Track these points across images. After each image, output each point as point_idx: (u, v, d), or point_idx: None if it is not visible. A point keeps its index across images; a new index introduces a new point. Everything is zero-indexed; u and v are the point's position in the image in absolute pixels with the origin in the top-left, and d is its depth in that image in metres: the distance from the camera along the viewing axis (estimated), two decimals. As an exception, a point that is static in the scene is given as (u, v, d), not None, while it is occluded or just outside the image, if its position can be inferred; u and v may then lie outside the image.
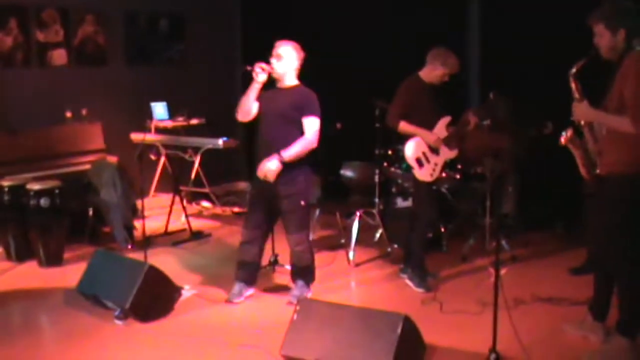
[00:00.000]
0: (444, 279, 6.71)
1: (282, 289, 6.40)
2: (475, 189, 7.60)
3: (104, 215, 7.85)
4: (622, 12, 4.69)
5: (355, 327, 4.68)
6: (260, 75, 5.84)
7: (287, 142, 5.82)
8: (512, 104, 6.66)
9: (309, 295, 6.14)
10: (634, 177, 4.67)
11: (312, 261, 6.22)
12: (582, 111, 4.84)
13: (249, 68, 5.85)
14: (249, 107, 5.93)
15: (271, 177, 5.77)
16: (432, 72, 6.37)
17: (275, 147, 5.81)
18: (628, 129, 4.54)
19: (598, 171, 4.91)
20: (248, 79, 5.98)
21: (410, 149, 6.33)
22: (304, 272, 6.20)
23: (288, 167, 5.84)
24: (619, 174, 4.72)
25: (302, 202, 6.01)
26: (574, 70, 4.89)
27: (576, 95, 4.88)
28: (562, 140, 5.02)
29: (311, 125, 5.89)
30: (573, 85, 4.90)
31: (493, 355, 4.73)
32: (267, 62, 5.88)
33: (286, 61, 5.92)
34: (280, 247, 6.68)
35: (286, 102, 5.88)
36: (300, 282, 6.19)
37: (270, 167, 5.76)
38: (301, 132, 5.87)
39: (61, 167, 8.24)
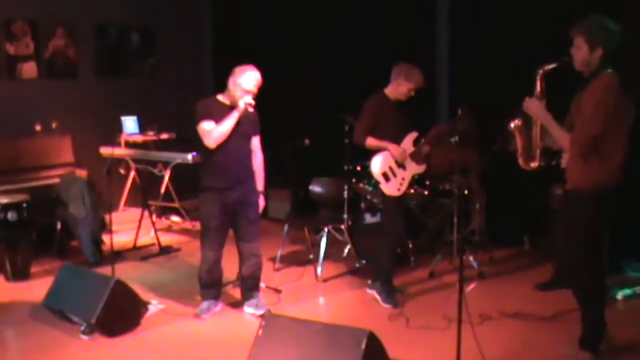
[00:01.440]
0: (412, 294, 6.74)
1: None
2: (444, 205, 7.65)
3: (72, 230, 7.80)
4: (605, 31, 4.70)
5: (319, 343, 4.68)
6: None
7: (249, 158, 6.16)
8: (476, 120, 6.70)
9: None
10: (596, 194, 4.73)
11: None
12: (535, 108, 4.88)
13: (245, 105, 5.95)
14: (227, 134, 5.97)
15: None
16: (397, 88, 6.42)
17: (245, 164, 6.10)
18: (564, 144, 4.70)
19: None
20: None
21: (377, 164, 6.38)
22: (257, 284, 6.36)
23: (252, 176, 6.20)
24: (582, 189, 4.77)
25: (260, 211, 6.29)
26: (543, 69, 4.91)
27: (537, 92, 4.91)
28: (511, 125, 5.11)
29: (258, 142, 6.26)
30: (538, 82, 4.92)
31: (457, 371, 4.77)
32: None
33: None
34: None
35: (248, 122, 6.05)
36: (257, 294, 6.34)
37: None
38: None
39: (30, 180, 8.18)
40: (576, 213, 4.83)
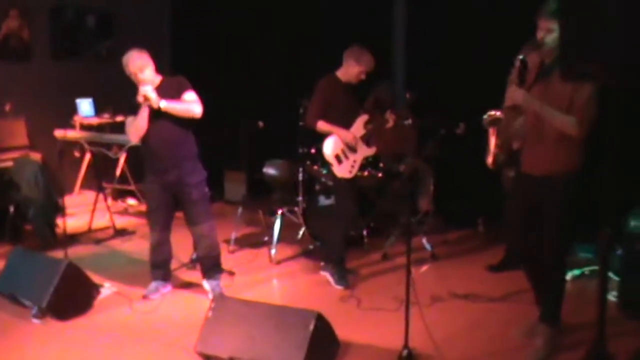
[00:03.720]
0: (364, 276, 6.80)
1: (200, 285, 6.38)
2: (398, 188, 7.69)
3: (25, 213, 7.75)
4: None
5: (268, 324, 4.73)
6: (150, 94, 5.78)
7: (182, 139, 5.98)
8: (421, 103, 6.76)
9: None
10: (576, 176, 4.74)
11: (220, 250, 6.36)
12: (523, 95, 4.71)
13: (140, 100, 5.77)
14: (145, 128, 5.89)
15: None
16: (347, 70, 6.46)
17: (175, 147, 5.95)
18: (570, 129, 4.59)
19: (522, 170, 4.94)
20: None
21: (329, 146, 6.41)
22: (216, 263, 6.31)
23: (190, 157, 6.04)
24: (560, 174, 4.74)
25: (206, 190, 6.18)
26: (519, 58, 4.75)
27: (516, 81, 4.75)
28: (486, 118, 5.08)
29: (192, 96, 5.92)
30: (517, 71, 4.75)
31: (405, 351, 4.82)
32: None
33: (149, 72, 5.92)
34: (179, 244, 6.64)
35: (166, 94, 5.81)
36: (216, 275, 6.30)
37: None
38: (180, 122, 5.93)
39: (-18, 163, 8.12)
40: (563, 198, 4.79)
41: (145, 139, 5.94)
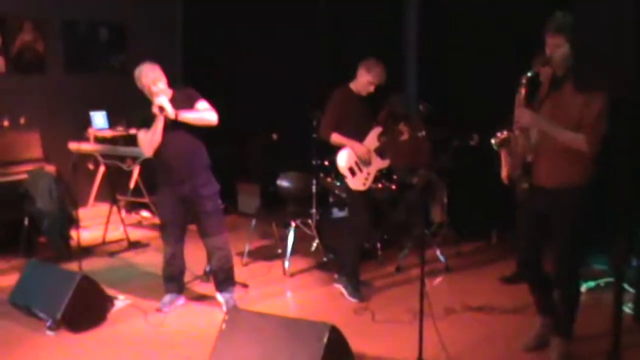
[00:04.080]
0: (378, 288, 6.79)
1: (213, 297, 6.39)
2: (411, 200, 7.69)
3: (40, 225, 7.78)
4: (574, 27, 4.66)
5: (282, 337, 4.72)
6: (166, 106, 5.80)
7: (196, 150, 6.00)
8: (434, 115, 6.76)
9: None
10: (585, 188, 4.74)
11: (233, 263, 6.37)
12: (530, 116, 4.73)
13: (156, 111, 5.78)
14: (159, 140, 5.90)
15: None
16: (359, 81, 6.47)
17: (189, 158, 5.97)
18: (580, 146, 4.58)
19: (534, 182, 4.90)
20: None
21: (343, 159, 6.41)
22: (229, 276, 6.31)
23: (204, 169, 6.06)
24: (572, 186, 4.74)
25: (220, 202, 6.20)
26: (526, 76, 4.75)
27: (522, 100, 4.77)
28: (494, 141, 5.06)
29: (204, 105, 5.98)
30: (523, 91, 4.77)
31: (419, 364, 4.82)
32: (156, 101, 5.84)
33: (162, 85, 5.94)
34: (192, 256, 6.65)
35: (178, 106, 5.84)
36: (229, 288, 6.30)
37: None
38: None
39: (-3, 175, 8.15)
40: (574, 210, 4.79)
41: (158, 151, 5.94)
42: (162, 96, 5.79)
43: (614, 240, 3.87)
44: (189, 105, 5.90)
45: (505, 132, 4.99)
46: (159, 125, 5.78)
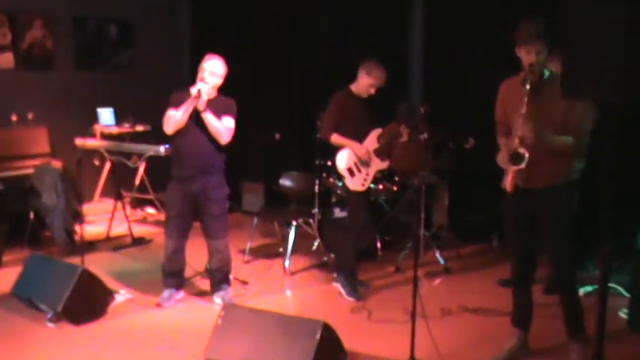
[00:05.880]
0: (376, 288, 6.84)
1: (212, 293, 6.47)
2: (412, 201, 7.73)
3: (45, 219, 7.87)
4: (550, 32, 4.72)
5: (276, 333, 4.81)
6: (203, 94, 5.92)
7: (213, 150, 6.08)
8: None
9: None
10: (574, 185, 4.82)
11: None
12: (537, 134, 4.67)
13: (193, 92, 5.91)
14: (183, 122, 6.00)
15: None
16: (359, 83, 6.53)
17: (204, 155, 6.06)
18: (574, 150, 4.69)
19: (523, 185, 4.86)
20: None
21: (342, 159, 6.47)
22: (226, 277, 6.41)
23: (217, 171, 6.15)
24: (561, 184, 4.80)
25: (227, 205, 6.32)
26: (527, 88, 4.71)
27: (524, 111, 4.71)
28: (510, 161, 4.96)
29: (227, 121, 6.08)
30: (526, 99, 4.71)
31: (410, 363, 4.88)
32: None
33: (214, 81, 6.08)
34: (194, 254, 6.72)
35: (214, 109, 6.00)
36: (224, 286, 6.39)
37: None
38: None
39: (4, 170, 8.19)
40: (564, 207, 4.85)
41: (178, 142, 6.08)
42: (205, 85, 5.93)
43: (600, 243, 3.91)
44: (221, 113, 6.04)
45: (520, 149, 4.77)
46: (188, 107, 5.90)
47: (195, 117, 5.95)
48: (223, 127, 6.01)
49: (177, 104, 5.99)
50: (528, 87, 4.70)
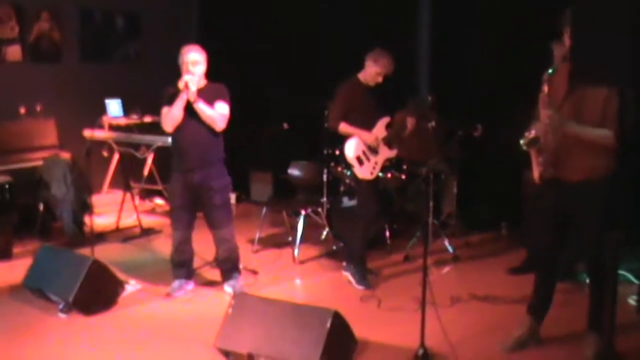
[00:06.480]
0: (386, 277, 6.86)
1: (221, 283, 6.49)
2: (421, 190, 7.74)
3: (54, 210, 7.90)
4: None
5: (286, 322, 4.81)
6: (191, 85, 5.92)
7: (211, 141, 6.10)
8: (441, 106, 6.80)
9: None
10: (608, 180, 4.74)
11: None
12: (562, 122, 4.67)
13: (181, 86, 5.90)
14: (180, 118, 6.02)
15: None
16: (367, 72, 6.54)
17: (203, 147, 6.08)
18: (609, 142, 4.60)
19: (553, 173, 4.86)
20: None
21: (351, 148, 6.48)
22: (235, 266, 6.42)
23: (217, 161, 6.18)
24: (596, 178, 4.73)
25: (229, 194, 6.36)
26: (549, 73, 4.70)
27: (546, 100, 4.73)
28: (523, 141, 4.88)
29: (221, 107, 6.08)
30: (546, 90, 4.72)
31: (421, 351, 4.89)
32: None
33: (199, 70, 6.07)
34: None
35: (205, 97, 6.00)
36: (235, 275, 6.41)
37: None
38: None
39: (14, 162, 8.22)
40: (601, 202, 4.77)
41: (177, 135, 6.09)
42: (191, 76, 5.91)
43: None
44: (213, 100, 6.04)
45: (533, 132, 4.84)
46: (179, 102, 5.91)
47: (190, 110, 5.96)
48: (217, 114, 6.01)
49: (169, 101, 6.00)
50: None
